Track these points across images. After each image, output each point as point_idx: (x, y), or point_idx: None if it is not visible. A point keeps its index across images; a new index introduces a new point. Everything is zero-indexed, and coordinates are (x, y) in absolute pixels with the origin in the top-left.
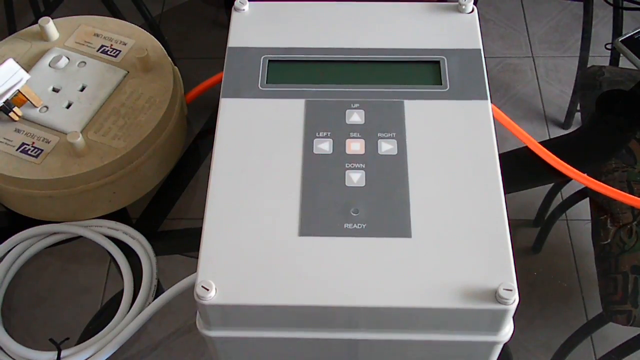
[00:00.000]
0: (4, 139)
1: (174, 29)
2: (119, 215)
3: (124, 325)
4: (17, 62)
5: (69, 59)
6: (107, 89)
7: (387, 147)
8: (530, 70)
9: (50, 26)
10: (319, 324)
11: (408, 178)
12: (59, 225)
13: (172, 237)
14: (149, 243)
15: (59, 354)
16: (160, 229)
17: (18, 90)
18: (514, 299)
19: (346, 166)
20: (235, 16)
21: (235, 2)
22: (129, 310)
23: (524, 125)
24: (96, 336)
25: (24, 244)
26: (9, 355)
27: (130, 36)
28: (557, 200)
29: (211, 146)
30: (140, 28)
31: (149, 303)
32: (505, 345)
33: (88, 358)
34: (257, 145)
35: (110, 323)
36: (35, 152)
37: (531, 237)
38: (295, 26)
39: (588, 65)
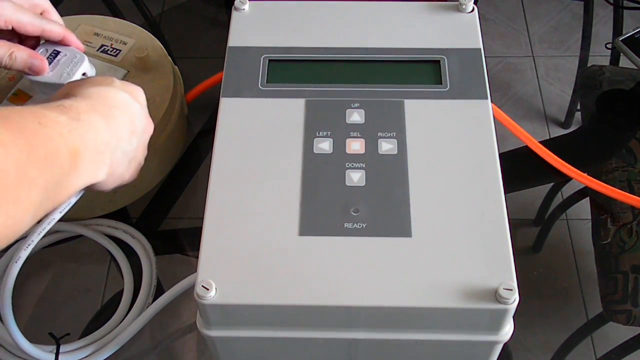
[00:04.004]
0: None
1: (174, 29)
2: (120, 215)
3: (124, 326)
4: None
5: None
6: None
7: (387, 146)
8: (531, 69)
9: None
10: (319, 323)
11: (408, 177)
12: (59, 224)
13: (172, 237)
14: (149, 242)
15: (57, 348)
16: (160, 229)
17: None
18: (514, 298)
19: (346, 166)
20: (235, 15)
21: (236, 2)
22: (129, 309)
23: (524, 125)
24: (94, 334)
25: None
26: (8, 351)
27: (130, 36)
28: (557, 199)
29: (211, 146)
30: (140, 27)
31: (149, 302)
32: (505, 344)
33: (87, 356)
34: (257, 145)
35: (110, 321)
36: None
37: (531, 237)
38: (296, 26)
39: (588, 65)
